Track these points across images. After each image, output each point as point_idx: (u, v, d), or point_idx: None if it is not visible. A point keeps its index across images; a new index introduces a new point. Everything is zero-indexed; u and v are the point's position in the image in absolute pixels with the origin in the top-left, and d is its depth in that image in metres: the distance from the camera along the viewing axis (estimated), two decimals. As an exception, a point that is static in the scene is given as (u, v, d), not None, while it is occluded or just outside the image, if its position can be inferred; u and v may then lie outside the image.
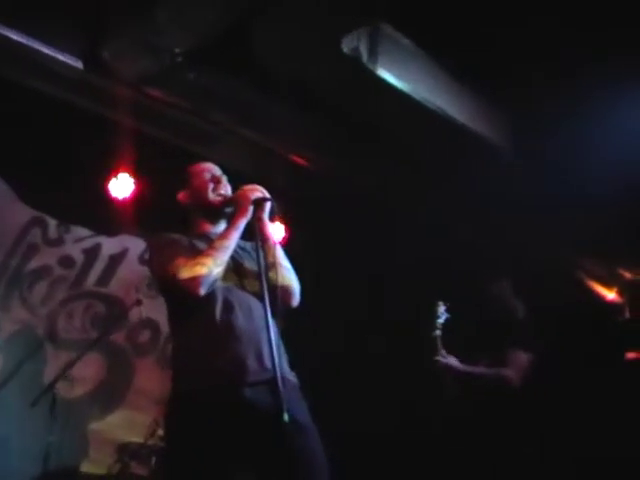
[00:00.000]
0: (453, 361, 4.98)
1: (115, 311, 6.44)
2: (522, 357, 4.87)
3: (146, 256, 3.29)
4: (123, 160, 5.76)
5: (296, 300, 3.10)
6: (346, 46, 4.31)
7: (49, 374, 5.30)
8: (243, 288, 3.00)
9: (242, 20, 4.05)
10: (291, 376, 2.94)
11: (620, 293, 7.49)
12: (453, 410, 4.99)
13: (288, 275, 3.08)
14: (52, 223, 6.33)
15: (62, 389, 5.25)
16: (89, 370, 6.10)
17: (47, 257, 6.30)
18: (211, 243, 2.96)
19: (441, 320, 5.11)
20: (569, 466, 5.84)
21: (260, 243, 2.96)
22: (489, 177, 5.49)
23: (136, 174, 5.96)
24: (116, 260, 6.69)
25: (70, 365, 5.28)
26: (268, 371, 2.78)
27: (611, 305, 7.51)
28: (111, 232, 6.62)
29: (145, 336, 6.69)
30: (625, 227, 6.07)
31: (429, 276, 6.30)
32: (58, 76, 4.43)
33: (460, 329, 5.17)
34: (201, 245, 3.02)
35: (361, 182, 5.54)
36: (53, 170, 5.77)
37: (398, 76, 4.60)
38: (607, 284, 7.46)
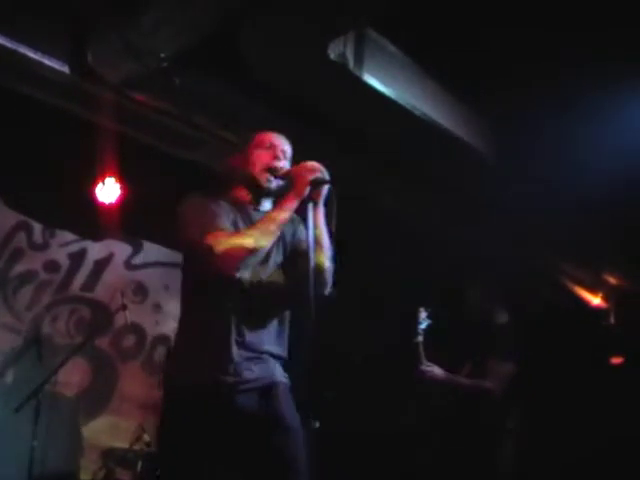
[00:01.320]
0: (436, 370, 4.98)
1: (100, 316, 6.43)
2: (502, 367, 4.87)
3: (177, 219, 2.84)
4: (109, 165, 5.76)
5: (328, 289, 2.88)
6: (332, 52, 4.32)
7: (34, 379, 5.27)
8: (261, 285, 2.82)
9: (228, 25, 4.05)
10: (284, 378, 2.89)
11: (605, 298, 7.53)
12: (436, 416, 5.00)
13: (329, 264, 2.85)
14: (37, 227, 6.31)
15: (47, 394, 5.23)
16: (74, 375, 6.08)
17: (32, 262, 6.27)
18: (257, 222, 2.75)
19: (423, 326, 5.12)
20: (554, 469, 5.87)
21: (309, 228, 2.69)
22: (473, 182, 5.51)
23: (122, 179, 5.96)
24: (102, 265, 6.67)
25: (55, 370, 5.26)
26: (266, 378, 2.79)
27: (596, 310, 7.55)
28: (96, 237, 6.60)
29: (130, 341, 6.68)
30: (610, 232, 6.11)
31: (411, 282, 6.32)
32: (44, 80, 4.41)
33: (443, 335, 5.18)
34: (239, 218, 2.85)
35: (345, 187, 5.53)
36: (38, 174, 5.76)
37: (384, 82, 4.61)
38: (592, 289, 7.50)
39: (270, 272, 2.87)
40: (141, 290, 6.78)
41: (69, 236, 6.51)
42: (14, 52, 4.13)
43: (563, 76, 4.62)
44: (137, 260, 6.85)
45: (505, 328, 5.03)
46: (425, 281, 6.35)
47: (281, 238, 2.89)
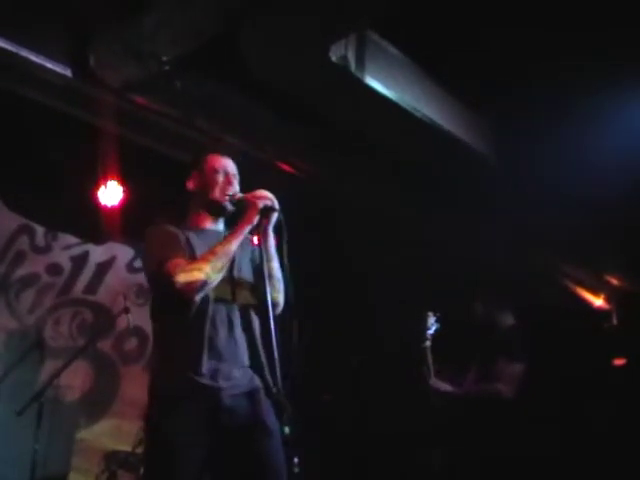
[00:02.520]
0: (445, 387, 4.96)
1: (102, 319, 6.43)
2: (513, 368, 4.85)
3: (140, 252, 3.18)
4: (111, 168, 5.76)
5: (278, 311, 3.07)
6: (334, 54, 4.32)
7: (36, 382, 5.27)
8: (234, 299, 2.99)
9: (229, 27, 4.05)
10: (261, 384, 2.97)
11: (608, 300, 7.52)
12: (442, 424, 4.99)
13: (280, 287, 3.05)
14: (40, 230, 6.32)
15: (49, 397, 5.23)
16: (76, 378, 6.08)
17: (35, 265, 6.28)
18: (212, 247, 2.91)
19: (431, 331, 5.11)
20: (556, 470, 5.86)
21: (261, 253, 2.94)
22: (474, 184, 5.51)
23: (124, 182, 5.96)
24: (104, 268, 6.68)
25: (57, 373, 5.26)
26: (245, 385, 2.92)
27: (598, 312, 7.54)
28: (99, 240, 6.61)
29: (132, 344, 6.67)
30: (612, 233, 6.10)
31: (418, 287, 6.31)
32: (45, 84, 4.41)
33: (450, 339, 5.17)
34: (196, 241, 3.01)
35: (348, 190, 5.55)
36: (40, 177, 5.77)
37: (385, 84, 4.62)
38: (595, 291, 7.49)
39: (241, 288, 3.04)
40: (143, 293, 6.77)
41: (71, 239, 6.52)
42: (16, 55, 4.13)
43: (563, 77, 4.63)
44: (139, 263, 6.84)
45: (512, 330, 5.02)
46: (428, 284, 6.34)
47: (252, 258, 3.15)
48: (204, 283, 2.80)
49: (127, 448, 5.44)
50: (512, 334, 5.01)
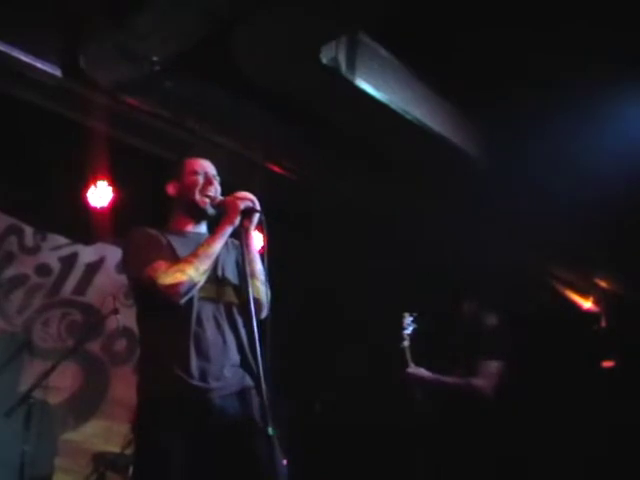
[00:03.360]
0: (422, 371, 4.98)
1: (91, 320, 6.40)
2: (492, 365, 4.87)
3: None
4: (101, 168, 5.74)
5: (265, 313, 3.07)
6: (325, 56, 4.33)
7: (25, 383, 5.25)
8: (219, 298, 2.99)
9: (221, 29, 4.05)
10: (251, 383, 2.94)
11: (597, 302, 7.54)
12: (424, 420, 4.98)
13: (262, 288, 3.05)
14: (29, 231, 6.30)
15: (38, 398, 5.21)
16: (65, 379, 6.06)
17: (23, 265, 6.26)
18: (195, 249, 2.91)
19: (408, 331, 5.12)
20: (545, 470, 5.88)
21: (243, 253, 2.95)
22: (464, 185, 5.52)
23: (114, 182, 5.94)
24: (93, 268, 6.66)
25: (46, 374, 5.24)
26: (236, 384, 2.90)
27: (587, 314, 7.56)
28: (88, 240, 6.59)
29: (121, 345, 6.65)
30: (602, 236, 6.12)
31: (399, 287, 6.32)
32: (36, 84, 4.40)
33: (431, 341, 5.18)
34: (178, 244, 3.01)
35: (337, 191, 5.56)
36: (30, 177, 5.74)
37: (376, 86, 4.63)
38: (584, 293, 7.52)
39: (224, 289, 3.03)
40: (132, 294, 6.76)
41: (60, 240, 6.50)
42: (6, 55, 4.12)
43: (555, 79, 4.64)
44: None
45: (495, 331, 5.03)
46: (414, 284, 6.35)
47: (237, 259, 3.13)
48: (187, 285, 2.80)
49: (116, 449, 5.42)
50: (495, 334, 5.01)
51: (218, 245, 2.92)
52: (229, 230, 2.95)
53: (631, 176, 5.11)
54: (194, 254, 2.88)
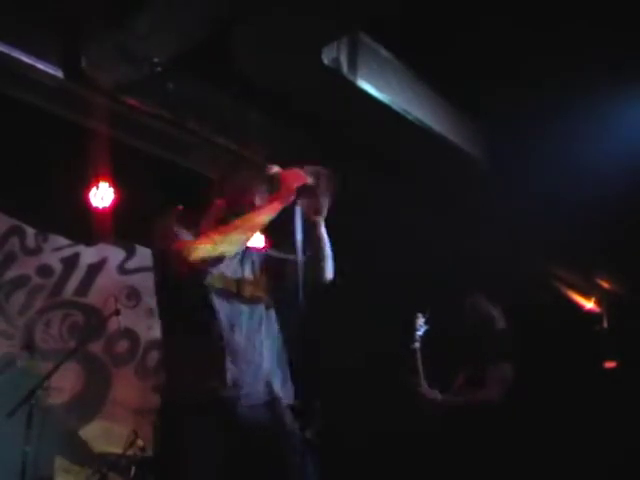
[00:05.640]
0: (434, 395, 4.93)
1: (93, 321, 6.42)
2: (501, 370, 4.84)
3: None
4: (102, 169, 5.75)
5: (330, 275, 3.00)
6: (326, 57, 4.33)
7: (27, 384, 5.25)
8: (248, 297, 2.88)
9: (221, 29, 4.05)
10: (281, 393, 2.86)
11: (598, 302, 7.54)
12: (433, 425, 4.97)
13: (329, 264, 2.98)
14: (30, 232, 6.31)
15: (40, 399, 5.21)
16: (67, 380, 6.06)
17: (25, 266, 6.27)
18: (238, 222, 2.74)
19: (420, 332, 5.09)
20: (547, 471, 5.86)
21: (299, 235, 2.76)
22: (466, 186, 5.52)
23: (115, 183, 5.95)
24: (95, 269, 6.67)
25: (48, 375, 5.24)
26: (266, 393, 2.79)
27: (589, 314, 7.56)
28: (90, 241, 6.59)
29: (123, 346, 6.66)
30: (603, 236, 6.11)
31: (407, 289, 6.30)
32: (37, 85, 4.40)
33: (439, 342, 5.16)
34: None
35: (338, 192, 5.55)
36: (31, 178, 5.75)
37: (377, 87, 4.62)
38: (585, 294, 7.51)
39: (253, 288, 2.91)
40: (134, 295, 6.77)
41: (62, 241, 6.51)
42: (7, 56, 4.12)
43: (557, 79, 4.64)
44: (130, 265, 6.84)
45: (503, 333, 5.01)
46: (420, 286, 6.34)
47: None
48: (217, 257, 2.68)
49: (118, 450, 5.43)
50: (502, 337, 5.00)
51: (265, 221, 2.75)
52: (280, 208, 2.76)
53: (631, 176, 5.10)
54: (236, 226, 2.74)
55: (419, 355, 5.01)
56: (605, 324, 7.56)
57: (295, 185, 2.76)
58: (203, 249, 2.66)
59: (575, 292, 7.43)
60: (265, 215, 2.76)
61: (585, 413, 6.59)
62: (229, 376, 2.71)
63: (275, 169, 2.88)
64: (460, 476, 4.66)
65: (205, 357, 2.74)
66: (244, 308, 2.85)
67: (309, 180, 2.79)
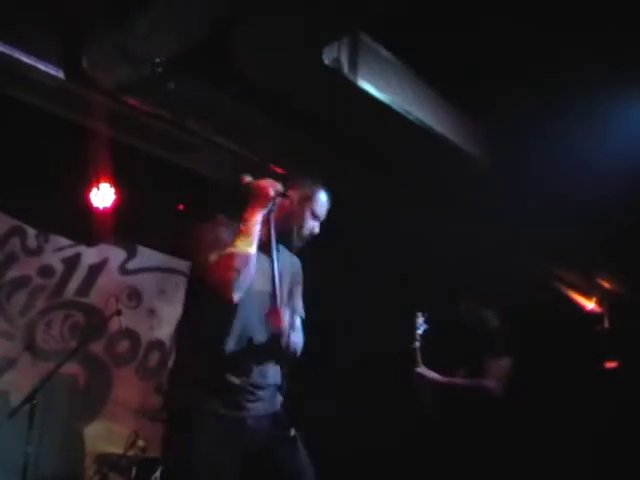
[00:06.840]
0: (433, 374, 4.97)
1: (94, 321, 6.42)
2: (500, 365, 4.87)
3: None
4: (103, 170, 5.76)
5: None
6: (326, 57, 4.33)
7: (28, 385, 5.25)
8: (257, 310, 2.93)
9: (221, 29, 4.05)
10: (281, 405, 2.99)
11: (599, 303, 7.54)
12: (432, 422, 4.99)
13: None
14: (31, 232, 6.32)
15: (41, 400, 5.22)
16: (68, 381, 6.07)
17: (26, 267, 6.28)
18: (236, 233, 2.84)
19: (420, 331, 5.11)
20: (547, 471, 5.87)
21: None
22: (467, 186, 5.52)
23: (116, 184, 5.96)
24: (96, 270, 6.68)
25: (49, 375, 5.25)
26: (271, 405, 2.92)
27: (590, 315, 7.56)
28: (91, 242, 6.60)
29: (124, 346, 6.67)
30: (605, 237, 6.11)
31: (407, 289, 6.31)
32: (38, 85, 4.40)
33: (437, 341, 5.18)
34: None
35: (339, 192, 5.55)
36: (32, 179, 5.76)
37: (378, 87, 4.62)
38: (586, 294, 7.51)
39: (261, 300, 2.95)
40: (135, 295, 6.78)
41: (63, 241, 6.52)
42: (8, 57, 4.13)
43: (558, 79, 4.64)
44: (131, 265, 6.85)
45: (499, 331, 5.03)
46: (418, 285, 6.35)
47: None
48: (241, 259, 2.75)
49: (119, 450, 5.44)
50: (497, 334, 5.02)
51: (256, 229, 2.87)
52: (260, 216, 2.90)
53: (631, 176, 5.11)
54: (237, 237, 2.83)
55: (419, 354, 5.04)
56: (606, 324, 7.56)
57: (270, 192, 2.89)
58: (242, 285, 2.74)
59: (576, 292, 7.42)
60: (250, 222, 2.87)
61: (586, 413, 6.60)
62: (233, 386, 2.80)
63: (248, 179, 3.00)
64: (460, 476, 4.68)
65: (212, 368, 2.82)
66: (259, 320, 2.92)
67: (281, 188, 2.94)
